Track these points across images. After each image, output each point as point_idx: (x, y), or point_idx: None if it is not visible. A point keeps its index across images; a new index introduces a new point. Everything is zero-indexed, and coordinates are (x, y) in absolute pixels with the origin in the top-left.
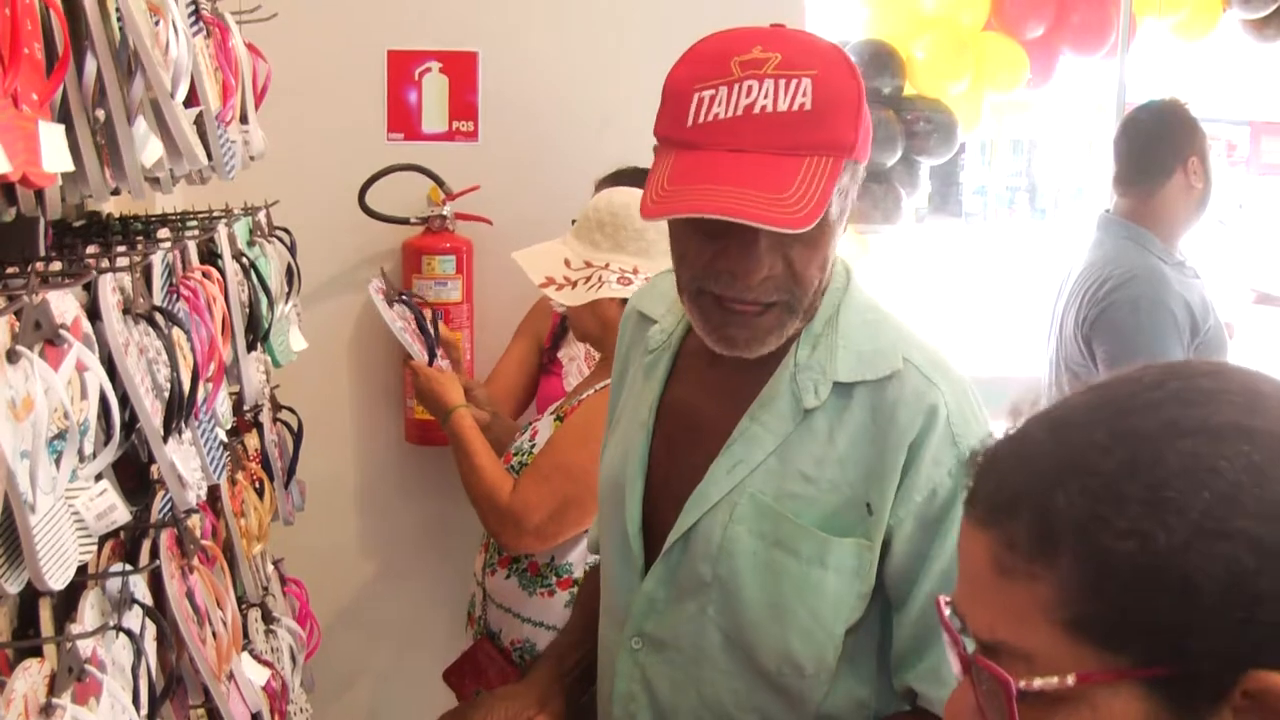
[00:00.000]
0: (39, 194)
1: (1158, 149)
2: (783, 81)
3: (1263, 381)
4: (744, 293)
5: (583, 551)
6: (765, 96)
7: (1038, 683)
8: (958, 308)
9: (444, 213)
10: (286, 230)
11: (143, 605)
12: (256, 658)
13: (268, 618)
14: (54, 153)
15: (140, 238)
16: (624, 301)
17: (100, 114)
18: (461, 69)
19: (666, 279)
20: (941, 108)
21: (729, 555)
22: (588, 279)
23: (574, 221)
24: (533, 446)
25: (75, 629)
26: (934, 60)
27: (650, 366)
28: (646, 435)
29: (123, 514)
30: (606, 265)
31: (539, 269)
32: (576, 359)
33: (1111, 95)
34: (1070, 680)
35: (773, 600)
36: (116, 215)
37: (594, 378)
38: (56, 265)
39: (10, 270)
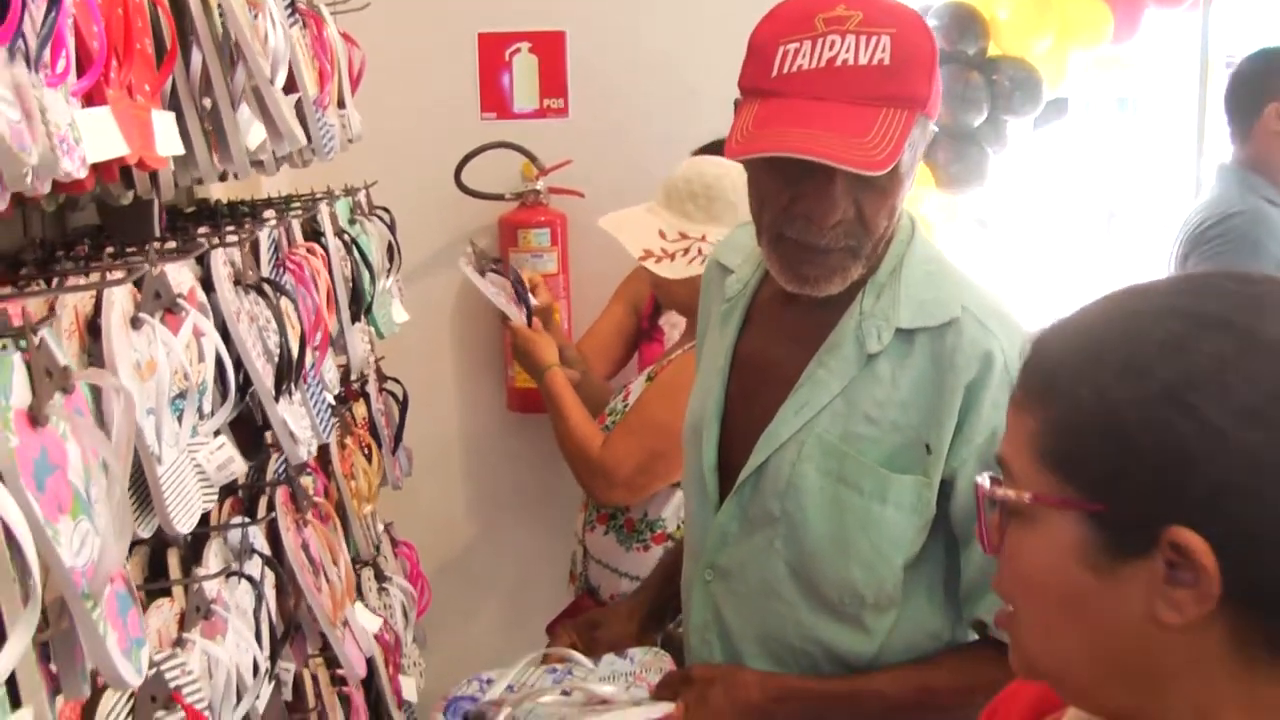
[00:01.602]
0: (153, 177)
1: (1243, 93)
2: (863, 38)
3: None
4: (817, 238)
5: (675, 506)
6: (847, 51)
7: (999, 491)
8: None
9: (537, 188)
10: (386, 209)
11: (261, 555)
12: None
13: (380, 576)
14: (166, 138)
15: (247, 220)
16: None
17: (207, 102)
18: (550, 48)
19: (745, 230)
20: (1026, 66)
21: (796, 491)
22: (685, 251)
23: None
24: (625, 405)
25: (200, 573)
26: (1017, 19)
27: (726, 315)
28: (723, 380)
29: (240, 465)
30: (703, 237)
31: (636, 241)
32: (678, 325)
33: (1195, 50)
34: (1026, 497)
35: (836, 533)
36: (225, 201)
37: (684, 338)
38: (172, 245)
39: (130, 249)
